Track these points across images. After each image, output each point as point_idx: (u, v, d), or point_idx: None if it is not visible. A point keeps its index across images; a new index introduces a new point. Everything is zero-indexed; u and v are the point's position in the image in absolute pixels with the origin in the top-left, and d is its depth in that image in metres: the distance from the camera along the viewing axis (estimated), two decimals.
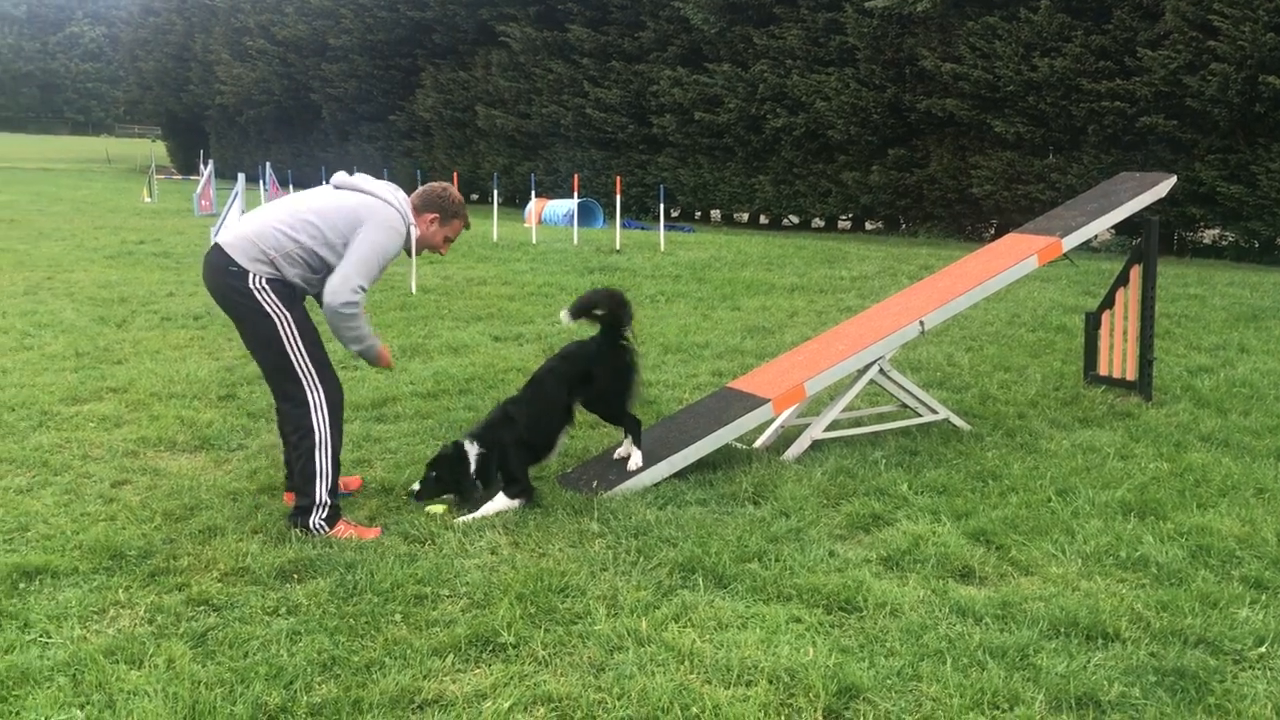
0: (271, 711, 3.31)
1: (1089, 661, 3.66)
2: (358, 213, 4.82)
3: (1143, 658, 3.69)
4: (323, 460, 4.79)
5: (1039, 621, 3.94)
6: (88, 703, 3.35)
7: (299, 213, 4.83)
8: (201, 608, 4.07)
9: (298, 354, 4.79)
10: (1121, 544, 4.67)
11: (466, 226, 5.24)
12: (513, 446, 5.26)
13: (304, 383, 4.80)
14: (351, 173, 5.23)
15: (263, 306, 4.75)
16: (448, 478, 5.19)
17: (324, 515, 4.79)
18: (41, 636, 3.81)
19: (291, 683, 3.47)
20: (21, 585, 4.23)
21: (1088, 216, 6.82)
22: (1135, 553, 4.58)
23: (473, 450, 5.21)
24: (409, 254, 5.21)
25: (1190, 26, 17.60)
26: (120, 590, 4.20)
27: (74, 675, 3.53)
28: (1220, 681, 3.52)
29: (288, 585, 4.26)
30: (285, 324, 4.77)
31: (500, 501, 5.14)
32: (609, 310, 5.55)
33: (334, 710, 3.32)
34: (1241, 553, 4.59)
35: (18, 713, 3.29)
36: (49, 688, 3.45)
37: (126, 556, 4.51)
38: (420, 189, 5.11)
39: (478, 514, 5.05)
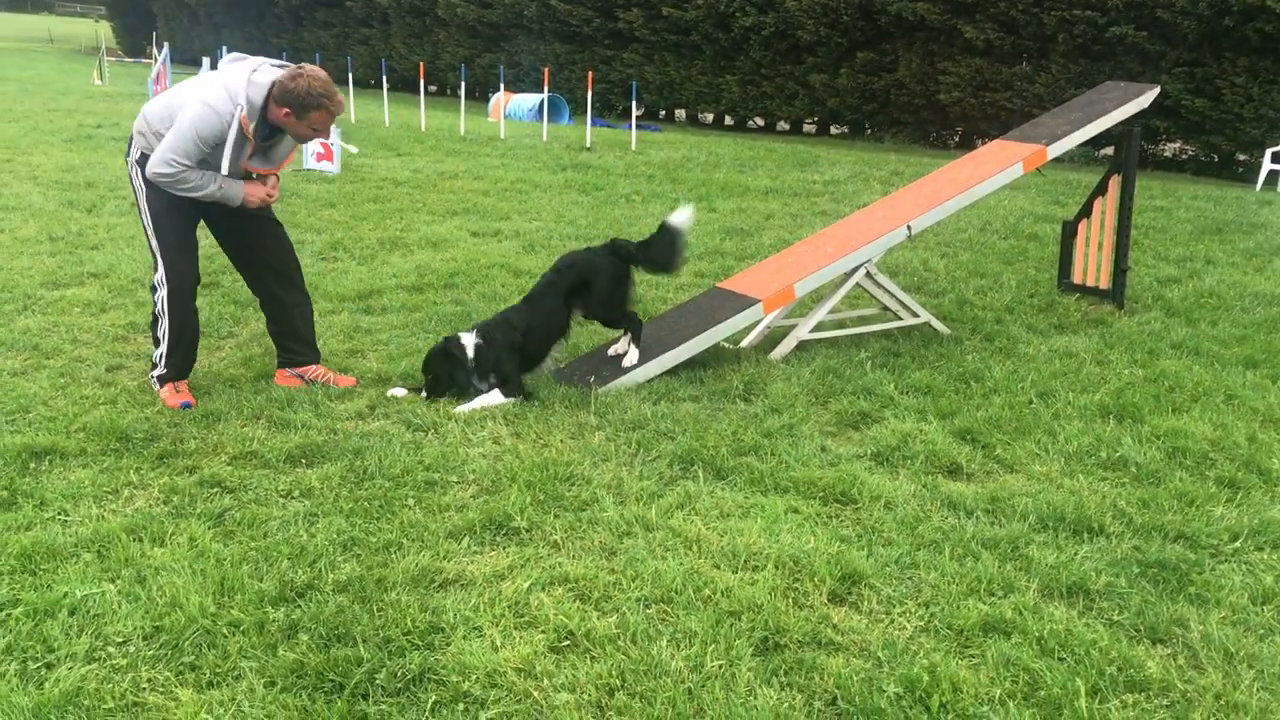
0: (299, 588, 3.41)
1: (1077, 554, 3.85)
2: (190, 96, 4.85)
3: (1127, 551, 3.88)
4: (162, 333, 5.10)
5: (1027, 516, 4.12)
6: (117, 577, 3.43)
7: (166, 96, 5.00)
8: (215, 489, 4.14)
9: (149, 232, 5.05)
10: (1102, 445, 4.86)
11: (335, 112, 4.97)
12: (507, 349, 5.32)
13: (155, 259, 5.09)
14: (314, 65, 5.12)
15: (133, 181, 5.06)
16: (445, 374, 5.26)
17: (155, 375, 5.16)
18: (60, 515, 3.87)
19: (315, 561, 3.58)
20: (32, 465, 4.27)
21: (1072, 125, 6.91)
22: (1115, 453, 4.77)
23: (470, 341, 5.27)
24: (299, 139, 5.09)
25: None
26: (131, 471, 4.25)
27: (99, 551, 3.60)
28: (1199, 573, 3.73)
29: (298, 469, 4.34)
30: (141, 198, 5.02)
31: (495, 397, 5.22)
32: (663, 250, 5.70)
33: (360, 587, 3.42)
34: (1215, 455, 4.80)
35: (49, 585, 3.36)
36: (76, 563, 3.52)
37: (132, 439, 4.56)
38: (277, 80, 4.85)
39: (473, 404, 5.13)
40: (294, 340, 5.45)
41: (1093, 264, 7.60)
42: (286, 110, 4.85)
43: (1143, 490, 4.41)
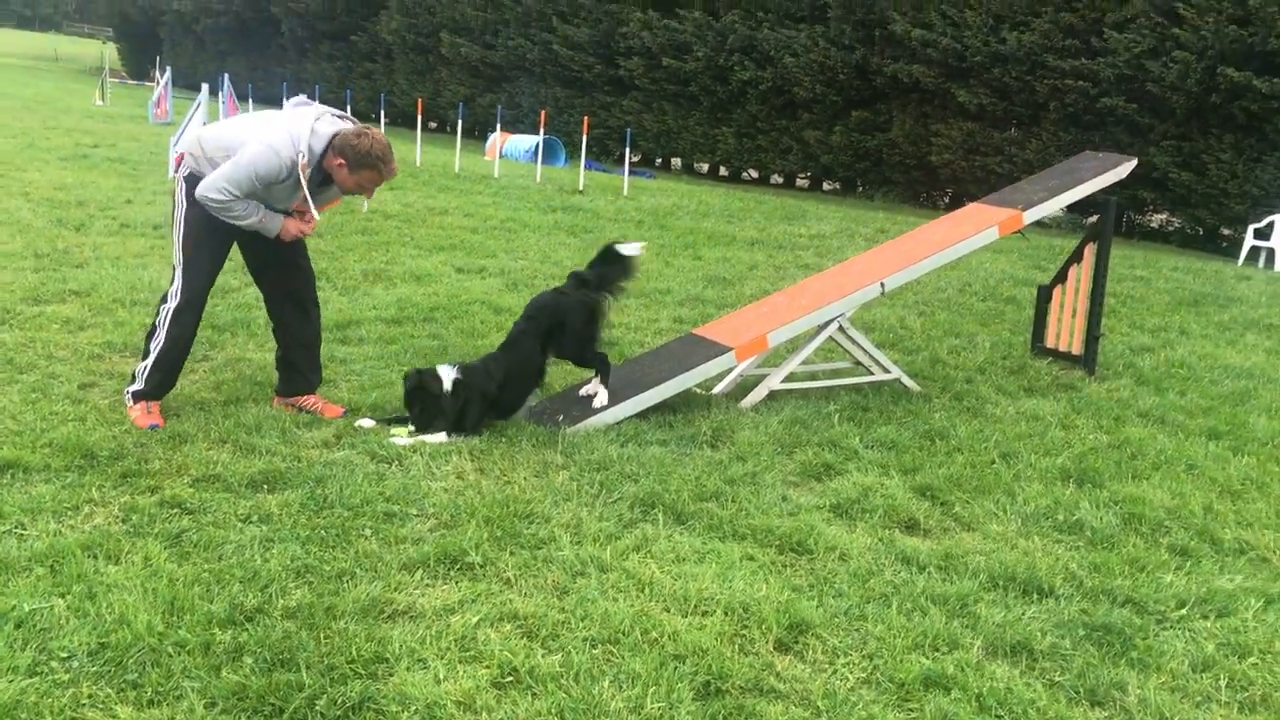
0: (248, 611, 3.43)
1: (1024, 613, 3.89)
2: (252, 134, 5.03)
3: (1074, 613, 3.92)
4: (153, 348, 5.18)
5: (979, 574, 4.17)
6: (68, 593, 3.45)
7: (228, 127, 5.18)
8: (174, 510, 4.17)
9: (178, 245, 5.20)
10: (1060, 508, 4.91)
11: (385, 177, 5.17)
12: (480, 396, 5.36)
13: (175, 272, 5.20)
14: (313, 97, 5.31)
15: (175, 193, 5.22)
16: (431, 406, 5.29)
17: (132, 390, 5.21)
18: (17, 528, 3.89)
19: (267, 586, 3.60)
20: None
21: (1049, 192, 7.03)
22: (1072, 516, 4.82)
23: (449, 374, 5.31)
24: (343, 191, 5.29)
25: (1156, 12, 17.87)
26: (93, 489, 4.28)
27: (52, 566, 3.62)
28: (1144, 638, 3.76)
29: (259, 494, 4.38)
30: (180, 210, 5.16)
31: (439, 437, 5.24)
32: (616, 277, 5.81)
33: (308, 614, 3.44)
34: (1170, 522, 4.86)
35: None
36: (28, 577, 3.54)
37: (98, 457, 4.59)
38: (343, 131, 5.09)
39: (408, 440, 5.15)
40: (294, 370, 5.56)
41: (1066, 329, 7.69)
42: (341, 161, 5.05)
43: (1095, 554, 4.45)
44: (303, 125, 5.04)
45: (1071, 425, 6.25)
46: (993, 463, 5.48)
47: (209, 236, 5.16)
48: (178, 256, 5.18)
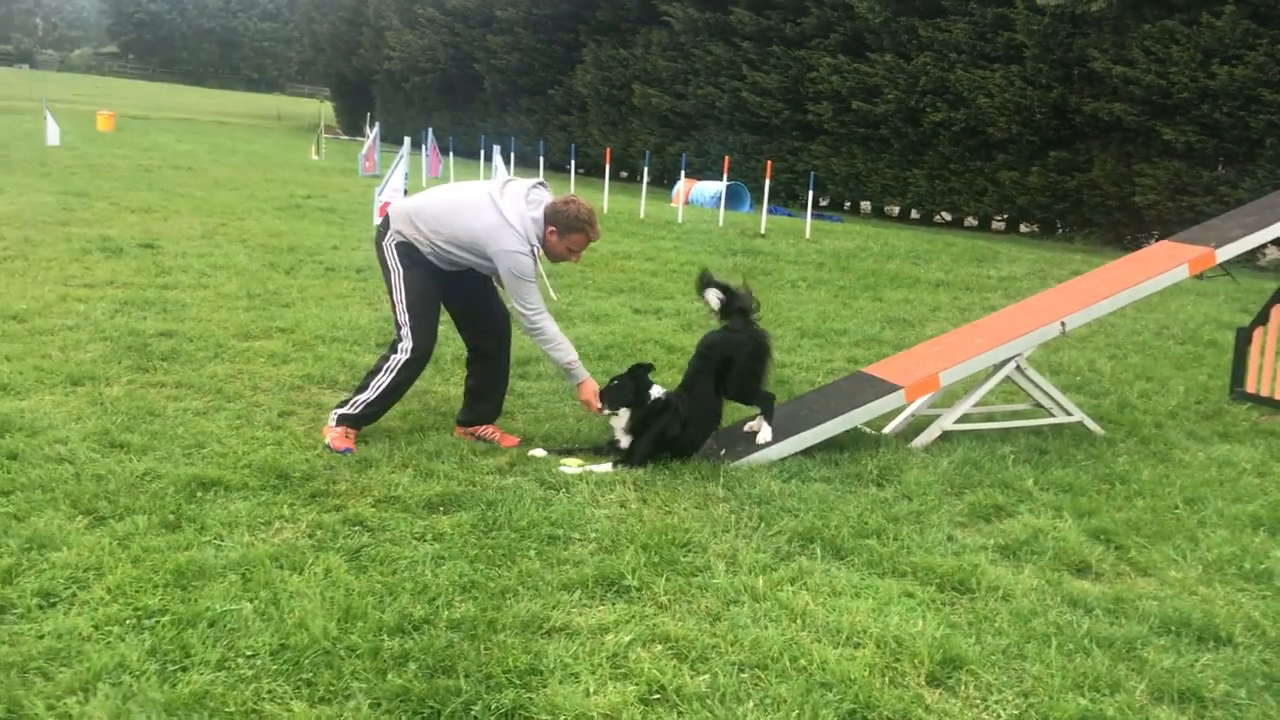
0: (416, 621, 3.63)
1: (1197, 660, 3.72)
2: (482, 236, 5.42)
3: (1254, 662, 3.73)
4: (375, 385, 5.51)
5: (1150, 618, 4.01)
6: (255, 598, 3.73)
7: (441, 218, 5.51)
8: (356, 528, 4.44)
9: (400, 301, 5.56)
10: (1247, 555, 4.67)
11: (591, 239, 5.61)
12: (659, 433, 5.51)
13: (400, 328, 5.56)
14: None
15: (387, 260, 5.61)
16: (629, 389, 5.54)
17: (340, 413, 5.52)
18: (216, 539, 4.23)
19: (435, 599, 3.80)
20: (199, 494, 4.67)
21: (1245, 229, 6.70)
22: (1260, 565, 4.58)
23: (657, 390, 5.55)
24: (550, 259, 5.69)
25: None
26: (285, 506, 4.61)
27: (244, 574, 3.92)
28: None
29: (434, 515, 4.61)
30: (397, 275, 5.55)
31: (605, 467, 5.40)
32: (739, 302, 5.79)
33: (471, 626, 3.62)
34: None
35: (195, 600, 3.69)
36: (222, 582, 3.85)
37: (291, 478, 4.93)
38: (551, 201, 5.51)
39: (576, 470, 5.32)
40: (480, 400, 5.87)
41: (1268, 373, 7.29)
42: (553, 229, 5.47)
43: None
44: (522, 215, 5.40)
45: (1269, 473, 5.92)
46: (1176, 508, 5.25)
47: (428, 298, 5.57)
48: (403, 316, 5.53)
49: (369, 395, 5.50)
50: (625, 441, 5.51)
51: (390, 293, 5.61)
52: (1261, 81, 18.45)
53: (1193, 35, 19.35)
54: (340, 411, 5.54)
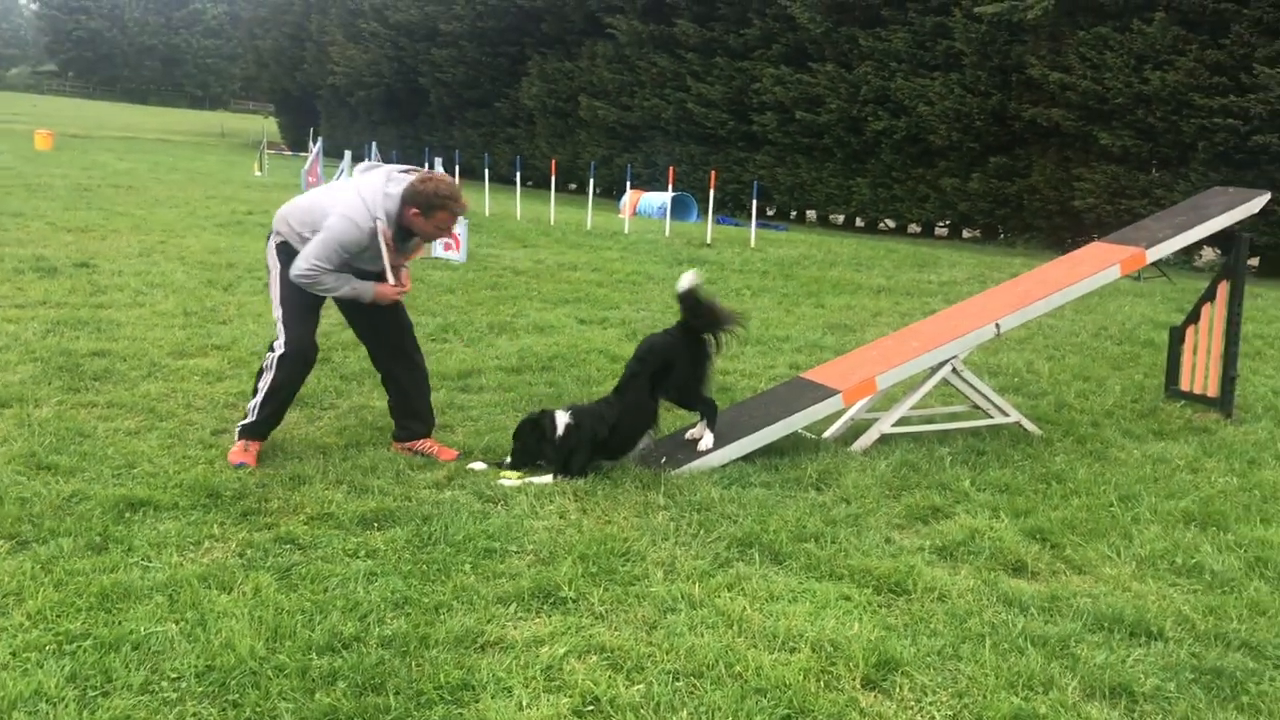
0: (346, 639, 3.58)
1: (1128, 656, 3.75)
2: (330, 206, 5.35)
3: (1183, 656, 3.77)
4: (260, 386, 5.47)
5: (1084, 615, 4.04)
6: (182, 619, 3.66)
7: (308, 211, 5.46)
8: (288, 546, 4.37)
9: (275, 299, 5.52)
10: (1178, 550, 4.72)
11: (456, 214, 5.46)
12: (589, 440, 5.46)
13: (276, 325, 5.49)
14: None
15: (268, 261, 5.60)
16: (533, 445, 5.44)
17: (240, 425, 5.48)
18: (143, 560, 4.14)
19: (365, 616, 3.75)
20: (127, 515, 4.58)
21: (1174, 229, 6.81)
22: (1191, 560, 4.63)
23: (563, 419, 5.44)
24: (425, 240, 5.68)
25: None
26: (215, 525, 4.53)
27: (170, 595, 3.84)
28: (1257, 683, 3.59)
29: (368, 531, 4.56)
30: (274, 274, 5.52)
31: (547, 478, 5.35)
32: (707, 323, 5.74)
33: (403, 643, 3.57)
34: None
35: (120, 623, 3.61)
36: (148, 604, 3.77)
37: (222, 496, 4.85)
38: (410, 182, 5.37)
39: (516, 482, 5.27)
40: (408, 417, 5.78)
41: (1201, 371, 7.40)
42: (415, 210, 5.34)
43: (1213, 597, 4.26)
44: (375, 191, 5.34)
45: (1200, 468, 6.00)
46: (1111, 505, 5.30)
47: (304, 295, 5.44)
48: (278, 312, 5.49)
49: (258, 398, 5.44)
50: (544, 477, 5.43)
51: (270, 293, 5.60)
52: (1192, 86, 18.82)
53: (1125, 42, 19.71)
54: (241, 423, 5.49)
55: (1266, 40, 18.10)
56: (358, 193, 5.35)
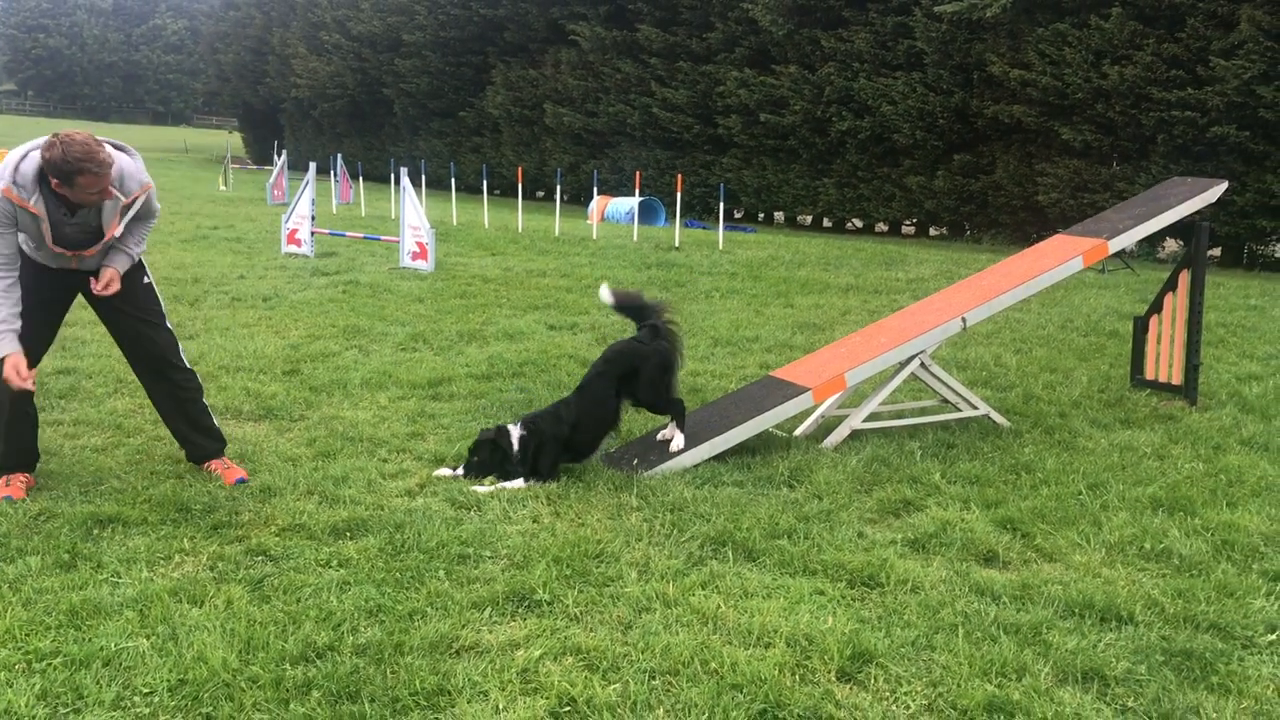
0: (319, 649, 3.56)
1: (1100, 640, 3.79)
2: None
3: (1153, 639, 3.81)
4: None
5: (1055, 602, 4.08)
6: (153, 634, 3.63)
7: None
8: (259, 558, 4.35)
9: None
10: (1147, 536, 4.77)
11: (102, 175, 4.65)
12: (551, 440, 5.47)
13: None
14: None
15: None
16: (489, 460, 5.44)
17: None
18: (113, 576, 4.11)
19: (339, 625, 3.73)
20: (95, 531, 4.54)
21: (1134, 220, 6.89)
22: (1160, 545, 4.68)
23: (516, 432, 5.44)
24: (84, 204, 4.82)
25: (1265, 36, 17.40)
26: (185, 540, 4.49)
27: (141, 610, 3.81)
28: (1226, 663, 3.63)
29: (340, 541, 4.53)
30: None
31: (517, 483, 5.36)
32: (641, 309, 5.87)
33: (377, 651, 3.56)
34: (1266, 549, 4.68)
35: (90, 639, 3.58)
36: (118, 620, 3.74)
37: (192, 510, 4.81)
38: (40, 149, 4.68)
39: (489, 488, 5.27)
40: (184, 440, 5.44)
41: (1165, 360, 7.48)
42: (56, 181, 4.64)
43: (1181, 581, 4.31)
44: (17, 154, 4.70)
45: (1167, 455, 6.07)
46: (1079, 494, 5.35)
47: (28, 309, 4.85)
48: None
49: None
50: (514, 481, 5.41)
51: None
52: (1150, 80, 19.03)
53: (1083, 37, 19.91)
54: None
55: (1221, 33, 18.33)
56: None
